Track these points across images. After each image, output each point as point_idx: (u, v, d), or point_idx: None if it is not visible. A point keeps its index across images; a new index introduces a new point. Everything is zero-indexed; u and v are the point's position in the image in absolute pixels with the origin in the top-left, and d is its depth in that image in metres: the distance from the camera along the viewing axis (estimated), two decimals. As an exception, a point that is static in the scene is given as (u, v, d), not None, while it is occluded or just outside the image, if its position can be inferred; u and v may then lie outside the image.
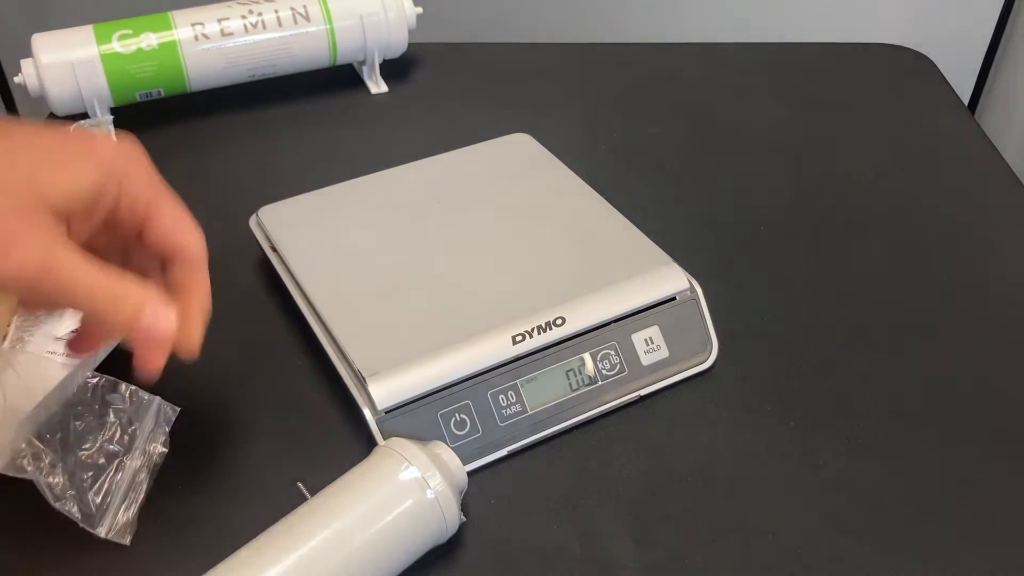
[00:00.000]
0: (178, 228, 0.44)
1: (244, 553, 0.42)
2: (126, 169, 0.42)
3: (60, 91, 0.76)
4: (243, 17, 0.80)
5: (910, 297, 0.63)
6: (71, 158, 0.40)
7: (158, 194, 0.43)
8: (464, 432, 0.51)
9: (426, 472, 0.45)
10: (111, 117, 0.76)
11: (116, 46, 0.77)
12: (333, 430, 0.54)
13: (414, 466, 0.45)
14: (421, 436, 0.50)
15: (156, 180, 0.44)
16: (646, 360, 0.55)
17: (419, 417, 0.51)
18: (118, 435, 0.50)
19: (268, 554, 0.42)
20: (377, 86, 0.87)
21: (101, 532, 0.47)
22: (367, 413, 0.50)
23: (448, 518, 0.46)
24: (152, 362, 0.42)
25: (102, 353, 0.55)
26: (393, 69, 0.88)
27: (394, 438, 0.48)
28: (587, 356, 0.54)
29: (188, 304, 0.44)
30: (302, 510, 0.44)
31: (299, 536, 0.43)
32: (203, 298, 0.45)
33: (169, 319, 0.42)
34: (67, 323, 0.57)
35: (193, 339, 0.44)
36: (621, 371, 0.55)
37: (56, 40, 0.76)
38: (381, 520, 0.44)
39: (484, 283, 0.57)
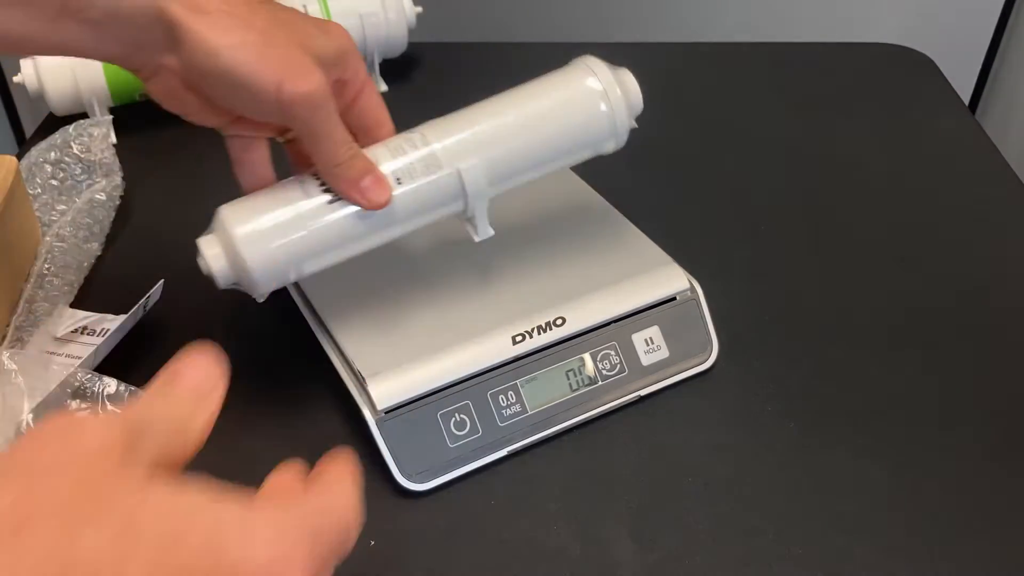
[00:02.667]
0: (381, 104, 0.51)
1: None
2: (352, 47, 0.49)
3: (59, 90, 0.76)
4: (243, 17, 0.79)
5: (910, 297, 0.63)
6: (320, 30, 0.47)
7: (368, 76, 0.51)
8: (464, 432, 0.51)
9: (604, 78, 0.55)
10: (111, 117, 0.76)
11: (116, 46, 0.76)
12: (333, 430, 0.54)
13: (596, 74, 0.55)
14: (421, 436, 0.50)
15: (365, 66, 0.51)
16: (646, 360, 0.55)
17: (419, 417, 0.50)
18: (117, 435, 0.50)
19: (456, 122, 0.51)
20: (377, 86, 0.87)
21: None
22: (367, 413, 0.50)
23: (618, 122, 0.56)
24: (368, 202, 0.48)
25: (102, 352, 0.55)
26: (393, 69, 0.88)
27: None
28: (587, 356, 0.54)
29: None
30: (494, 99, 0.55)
31: (481, 114, 0.53)
32: None
33: (381, 194, 0.47)
34: (66, 323, 0.57)
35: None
36: (621, 371, 0.55)
37: (56, 40, 0.76)
38: (550, 99, 0.54)
39: (484, 283, 0.57)
